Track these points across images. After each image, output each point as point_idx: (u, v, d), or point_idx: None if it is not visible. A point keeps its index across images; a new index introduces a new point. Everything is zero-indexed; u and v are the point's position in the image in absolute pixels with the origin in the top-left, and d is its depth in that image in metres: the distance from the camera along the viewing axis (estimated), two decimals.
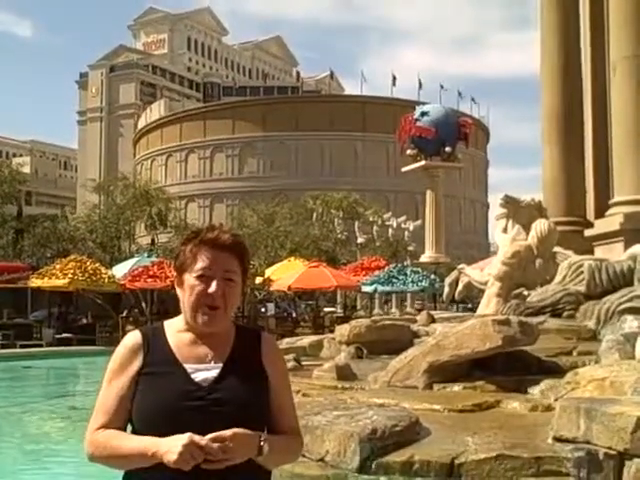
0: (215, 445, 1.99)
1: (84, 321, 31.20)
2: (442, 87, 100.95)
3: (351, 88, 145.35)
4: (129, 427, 2.17)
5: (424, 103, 58.77)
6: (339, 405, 6.65)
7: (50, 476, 7.28)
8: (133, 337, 2.23)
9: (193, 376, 2.14)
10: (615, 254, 12.49)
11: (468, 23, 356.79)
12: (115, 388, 2.16)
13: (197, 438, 1.98)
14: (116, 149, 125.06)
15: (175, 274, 2.25)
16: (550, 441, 5.40)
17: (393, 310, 40.23)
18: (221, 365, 2.17)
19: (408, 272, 33.72)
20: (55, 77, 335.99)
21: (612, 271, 10.70)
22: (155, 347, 2.19)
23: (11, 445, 8.97)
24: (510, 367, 7.82)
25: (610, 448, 4.99)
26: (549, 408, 6.37)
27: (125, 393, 2.15)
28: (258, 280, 31.32)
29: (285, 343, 12.29)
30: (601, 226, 14.17)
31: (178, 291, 2.23)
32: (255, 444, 2.07)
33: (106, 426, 2.13)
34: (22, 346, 24.61)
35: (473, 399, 7.03)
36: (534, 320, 9.06)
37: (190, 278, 2.18)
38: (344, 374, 8.69)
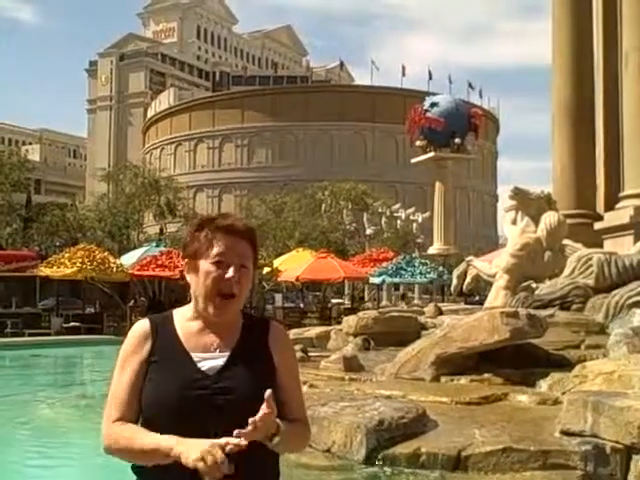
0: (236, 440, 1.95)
1: (92, 310, 31.30)
2: (451, 80, 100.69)
3: (360, 77, 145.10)
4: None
5: (434, 93, 58.62)
6: (346, 396, 6.65)
7: (58, 464, 7.30)
8: (142, 325, 2.23)
9: (200, 365, 2.14)
10: (625, 247, 12.44)
11: (478, 12, 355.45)
12: (126, 377, 2.16)
13: (221, 442, 1.94)
14: (125, 138, 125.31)
15: (187, 261, 2.23)
16: (557, 434, 5.38)
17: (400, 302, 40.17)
18: (228, 354, 2.17)
19: (416, 264, 33.69)
20: (65, 65, 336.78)
21: (621, 265, 10.65)
22: (163, 335, 2.19)
23: (19, 433, 9.00)
24: (518, 360, 7.79)
25: (617, 442, 4.98)
26: (556, 401, 6.36)
27: (135, 381, 2.15)
28: (266, 271, 31.31)
29: (292, 334, 12.28)
30: (611, 219, 14.11)
31: (189, 278, 2.21)
32: (271, 429, 2.04)
33: (122, 418, 2.12)
34: (30, 334, 24.68)
35: (480, 392, 7.02)
36: (542, 313, 9.02)
37: (206, 264, 2.16)
38: (351, 365, 8.68)
